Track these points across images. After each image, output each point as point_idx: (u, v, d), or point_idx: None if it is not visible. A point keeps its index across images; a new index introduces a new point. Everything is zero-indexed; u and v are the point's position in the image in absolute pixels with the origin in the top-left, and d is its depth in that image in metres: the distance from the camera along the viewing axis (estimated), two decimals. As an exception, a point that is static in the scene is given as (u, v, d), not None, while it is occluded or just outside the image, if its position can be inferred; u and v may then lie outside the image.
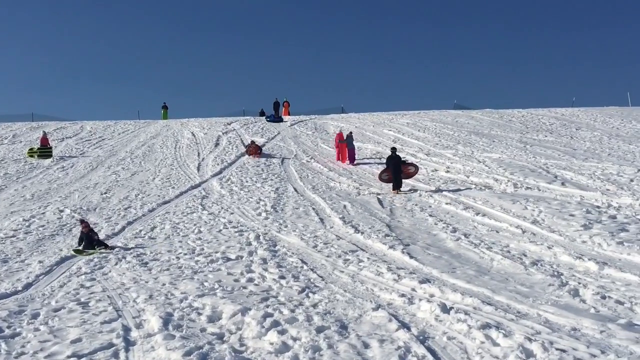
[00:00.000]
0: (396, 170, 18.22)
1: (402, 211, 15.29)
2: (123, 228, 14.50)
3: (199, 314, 7.76)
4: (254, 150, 24.80)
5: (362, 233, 12.83)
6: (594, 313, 7.34)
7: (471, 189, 17.63)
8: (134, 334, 7.11)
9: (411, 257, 10.71)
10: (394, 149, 19.17)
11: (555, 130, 30.40)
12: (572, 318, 7.08)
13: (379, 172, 19.67)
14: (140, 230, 14.10)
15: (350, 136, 24.42)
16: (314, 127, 35.32)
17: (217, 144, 29.58)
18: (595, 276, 9.13)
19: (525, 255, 10.57)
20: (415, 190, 17.92)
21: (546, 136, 28.47)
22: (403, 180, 18.48)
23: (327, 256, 11.05)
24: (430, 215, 14.53)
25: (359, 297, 8.40)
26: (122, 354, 6.46)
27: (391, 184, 18.31)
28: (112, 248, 12.17)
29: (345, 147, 24.18)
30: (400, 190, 17.94)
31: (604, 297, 7.93)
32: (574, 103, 44.96)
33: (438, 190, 17.58)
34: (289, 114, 43.02)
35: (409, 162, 20.01)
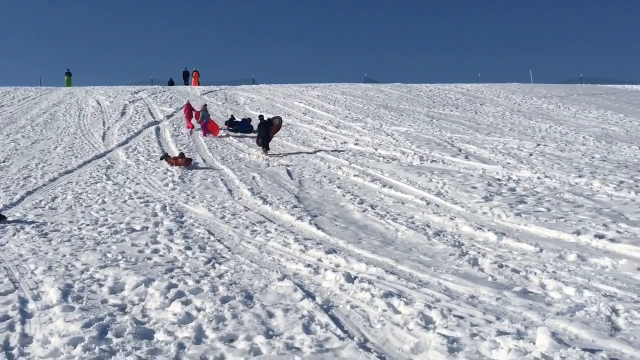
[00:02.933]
0: (266, 134, 20.14)
1: (310, 183, 15.36)
2: (22, 198, 13.96)
3: (101, 285, 7.58)
4: (183, 163, 17.83)
5: (271, 204, 12.83)
6: (491, 281, 7.62)
7: (379, 161, 17.88)
8: (31, 306, 6.88)
9: (318, 228, 10.80)
10: (261, 116, 21.05)
11: (460, 105, 31.16)
12: (470, 286, 7.33)
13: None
14: (41, 201, 13.61)
15: (205, 109, 23.98)
16: (225, 97, 34.92)
17: (123, 113, 28.82)
18: (494, 246, 9.46)
19: (429, 226, 10.83)
20: (293, 153, 18.02)
21: (452, 111, 29.16)
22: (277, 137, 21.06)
23: (235, 227, 10.99)
24: (339, 187, 14.67)
25: (265, 267, 8.41)
26: (17, 327, 6.24)
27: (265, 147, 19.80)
28: (3, 217, 11.62)
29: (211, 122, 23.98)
30: (268, 151, 19.77)
31: (501, 266, 8.23)
32: (479, 79, 46.27)
33: (317, 151, 17.74)
34: (198, 84, 42.34)
35: (273, 118, 21.41)
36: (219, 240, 10.05)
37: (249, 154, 19.83)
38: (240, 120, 24.98)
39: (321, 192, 14.24)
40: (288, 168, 17.22)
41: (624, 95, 37.25)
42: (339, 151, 19.89)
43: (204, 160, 18.76)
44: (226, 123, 24.67)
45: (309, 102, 31.79)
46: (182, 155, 18.44)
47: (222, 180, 15.72)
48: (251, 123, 24.07)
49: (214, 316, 6.36)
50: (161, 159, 18.74)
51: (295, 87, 38.82)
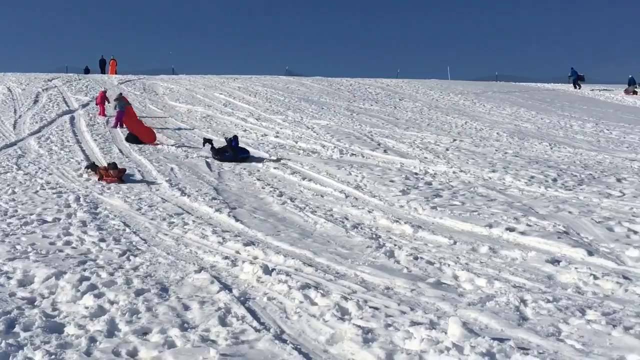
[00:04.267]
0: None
1: (230, 175, 15.25)
2: None
3: (9, 278, 7.30)
4: (116, 175, 14.22)
5: (189, 196, 12.67)
6: (407, 273, 7.75)
7: (299, 154, 17.91)
8: None
9: (237, 220, 10.73)
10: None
11: (380, 100, 31.57)
12: (386, 278, 7.44)
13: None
14: (-55, 191, 13.00)
15: (120, 98, 23.30)
16: (143, 87, 34.22)
17: (36, 101, 27.84)
18: (410, 238, 9.64)
19: (347, 219, 10.93)
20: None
21: (372, 105, 29.50)
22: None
23: (152, 219, 10.80)
24: (258, 180, 14.62)
25: (182, 259, 8.30)
26: None
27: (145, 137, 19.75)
28: None
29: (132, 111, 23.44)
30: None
31: (416, 258, 8.39)
32: (399, 74, 47.00)
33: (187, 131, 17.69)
34: (115, 73, 41.35)
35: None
36: (134, 232, 9.85)
37: (167, 145, 19.50)
38: (231, 143, 17.70)
39: (240, 185, 14.16)
40: (207, 160, 17.04)
41: (536, 93, 38.57)
42: (259, 143, 19.81)
43: (121, 151, 18.33)
44: (213, 149, 17.56)
45: (229, 94, 31.55)
46: (113, 165, 14.63)
47: (139, 171, 15.41)
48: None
49: (128, 309, 6.23)
50: (87, 168, 15.02)
51: (216, 78, 38.44)
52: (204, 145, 18.05)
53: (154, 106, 27.80)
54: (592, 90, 42.63)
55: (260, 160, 17.06)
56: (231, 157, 17.06)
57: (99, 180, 14.15)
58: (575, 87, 43.46)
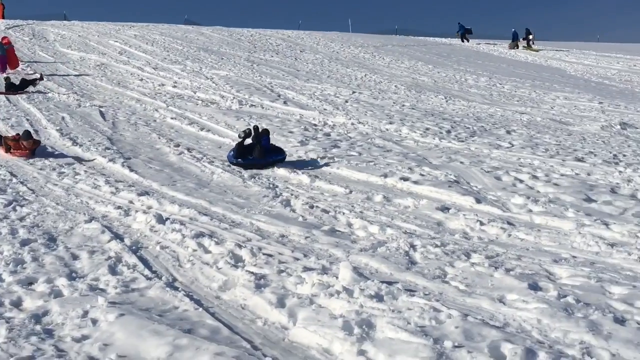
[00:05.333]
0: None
1: (125, 125, 14.84)
2: None
3: None
4: (26, 148, 11.40)
5: (81, 146, 12.26)
6: (302, 221, 7.83)
7: (197, 104, 17.60)
8: None
9: (131, 170, 10.50)
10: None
11: (281, 51, 31.35)
12: (281, 226, 7.49)
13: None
14: None
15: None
16: (32, 33, 32.57)
17: None
18: (307, 188, 9.71)
19: (245, 169, 10.89)
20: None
21: (272, 56, 29.26)
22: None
23: (40, 169, 10.40)
24: (154, 130, 14.30)
25: (72, 210, 8.06)
26: None
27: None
28: None
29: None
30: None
31: (312, 207, 8.48)
32: (300, 26, 46.73)
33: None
34: (3, 17, 39.10)
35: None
36: (21, 183, 9.48)
37: (58, 93, 18.72)
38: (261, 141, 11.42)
39: (136, 135, 13.82)
40: (101, 109, 16.48)
41: (434, 47, 39.29)
42: (157, 93, 19.33)
43: (8, 99, 17.46)
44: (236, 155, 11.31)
45: (125, 42, 30.50)
46: (26, 134, 11.48)
47: (27, 120, 14.75)
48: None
49: (12, 259, 6.02)
50: None
51: (111, 26, 37.01)
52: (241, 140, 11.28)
53: (44, 53, 26.56)
54: (479, 44, 43.82)
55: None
56: (257, 161, 11.11)
57: (6, 152, 11.37)
58: (462, 41, 44.54)
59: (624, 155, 12.76)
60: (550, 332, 4.59)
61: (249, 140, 11.28)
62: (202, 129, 14.37)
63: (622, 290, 5.55)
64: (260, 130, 11.56)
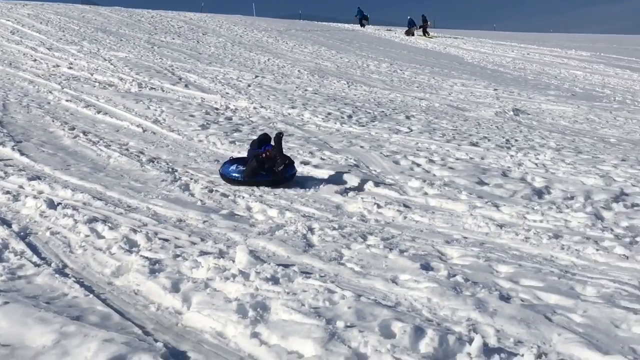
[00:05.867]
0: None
1: (16, 107, 14.19)
2: None
3: None
4: None
5: (-33, 129, 11.67)
6: (200, 205, 7.75)
7: (95, 86, 17.06)
8: None
9: (22, 154, 10.08)
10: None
11: (183, 34, 30.77)
12: (179, 210, 7.39)
13: None
14: None
15: None
16: None
17: None
18: (207, 173, 9.61)
19: (143, 153, 10.66)
20: None
21: (174, 39, 28.68)
22: None
23: None
24: (48, 113, 13.76)
25: (-44, 195, 7.67)
26: None
27: None
28: None
29: None
30: None
31: (211, 191, 8.40)
32: (203, 9, 46.00)
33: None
34: None
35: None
36: None
37: (-56, 73, 17.72)
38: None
39: (28, 117, 13.25)
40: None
41: (337, 33, 39.53)
42: (51, 74, 18.59)
43: None
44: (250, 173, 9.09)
45: (18, 21, 29.13)
46: None
47: None
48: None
49: None
50: None
51: (2, 4, 35.27)
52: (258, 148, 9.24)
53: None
54: (378, 30, 44.48)
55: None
56: (271, 177, 9.02)
57: None
58: (361, 26, 45.09)
59: (516, 140, 13.28)
60: (439, 310, 4.74)
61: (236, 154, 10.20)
62: (99, 112, 13.94)
63: (508, 269, 5.80)
64: (280, 134, 9.30)
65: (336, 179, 9.46)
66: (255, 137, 9.89)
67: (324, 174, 9.76)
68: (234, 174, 8.99)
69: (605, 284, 5.42)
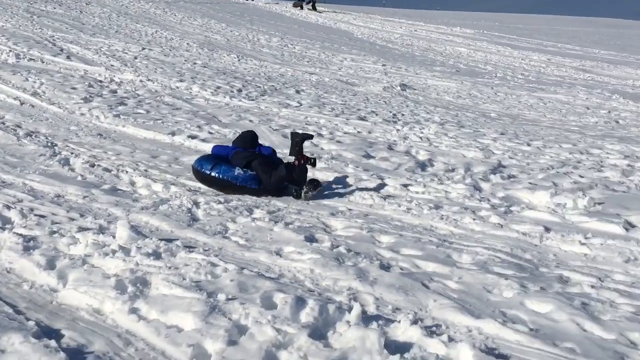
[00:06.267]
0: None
1: None
2: None
3: None
4: None
5: None
6: (81, 180, 7.49)
7: (-33, 57, 16.08)
8: None
9: None
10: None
11: (65, 3, 29.45)
12: (57, 186, 7.11)
13: None
14: None
15: None
16: None
17: None
18: (89, 147, 9.29)
19: (20, 127, 10.17)
20: None
21: (55, 8, 27.41)
22: None
23: None
24: None
25: None
26: None
27: None
28: None
29: None
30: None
31: (93, 166, 8.13)
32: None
33: None
34: None
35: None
36: None
37: None
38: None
39: None
40: None
41: (227, 5, 38.97)
42: None
43: None
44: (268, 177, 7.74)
45: None
46: None
47: None
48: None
49: None
50: None
51: None
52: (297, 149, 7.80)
53: None
54: (267, 3, 44.22)
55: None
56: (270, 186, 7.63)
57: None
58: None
59: (402, 115, 13.59)
60: (321, 281, 4.81)
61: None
62: (-28, 84, 13.18)
63: (389, 239, 5.94)
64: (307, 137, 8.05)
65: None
66: (239, 133, 8.40)
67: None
68: (247, 183, 7.49)
69: (480, 252, 5.65)
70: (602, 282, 5.10)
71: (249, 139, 7.92)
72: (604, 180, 8.82)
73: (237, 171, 7.53)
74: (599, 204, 7.49)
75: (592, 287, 4.94)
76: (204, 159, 7.70)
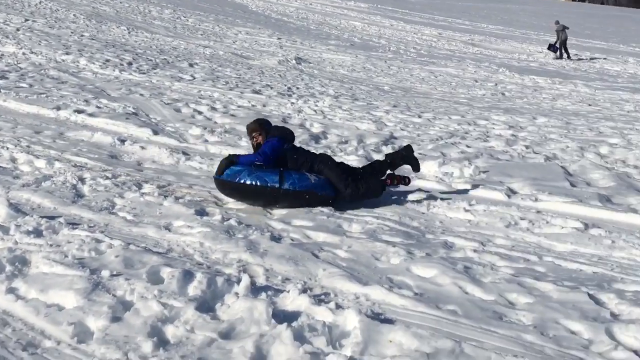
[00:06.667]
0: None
1: None
2: None
3: None
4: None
5: None
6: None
7: None
8: None
9: None
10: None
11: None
12: None
13: None
14: None
15: None
16: None
17: None
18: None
19: None
20: None
21: None
22: None
23: None
24: None
25: None
26: None
27: None
28: None
29: None
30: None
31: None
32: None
33: None
34: None
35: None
36: None
37: None
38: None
39: None
40: None
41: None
42: None
43: None
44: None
45: None
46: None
47: None
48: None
49: None
50: None
51: None
52: None
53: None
54: None
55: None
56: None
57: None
58: None
59: (297, 88, 13.61)
60: (211, 254, 4.76)
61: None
62: None
63: (281, 211, 5.95)
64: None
65: (113, 128, 9.12)
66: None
67: (99, 122, 9.37)
68: (327, 192, 6.15)
69: (369, 221, 5.75)
70: (484, 246, 5.30)
71: (284, 131, 6.50)
72: (489, 150, 9.16)
73: (312, 177, 6.15)
74: (484, 172, 7.78)
75: (475, 251, 5.12)
76: (247, 171, 6.00)
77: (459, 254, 5.05)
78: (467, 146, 9.23)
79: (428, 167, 7.79)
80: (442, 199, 6.57)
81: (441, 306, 4.00)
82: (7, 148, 7.61)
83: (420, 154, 8.57)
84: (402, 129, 10.33)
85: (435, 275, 4.48)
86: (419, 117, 11.39)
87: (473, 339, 3.58)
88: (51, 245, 4.52)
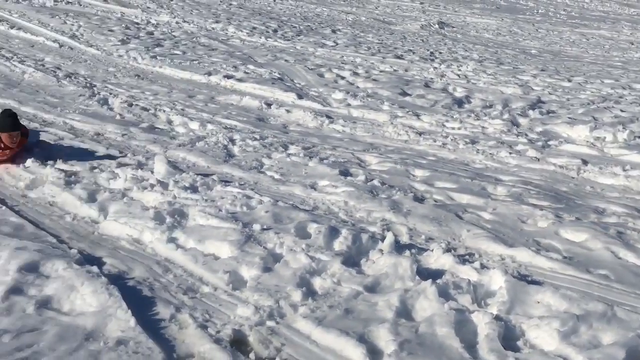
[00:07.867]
0: None
1: None
2: None
3: None
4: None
5: None
6: (120, 119, 7.58)
7: (7, 0, 16.25)
8: None
9: None
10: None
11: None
12: (97, 124, 7.21)
13: None
14: None
15: None
16: None
17: None
18: (127, 87, 9.38)
19: (60, 69, 10.29)
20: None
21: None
22: None
23: None
24: (-43, 28, 13.09)
25: None
26: None
27: None
28: None
29: None
30: None
31: (131, 105, 8.21)
32: None
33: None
34: None
35: None
36: None
37: None
38: None
39: None
40: None
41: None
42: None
43: None
44: None
45: None
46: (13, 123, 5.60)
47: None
48: None
49: None
50: None
51: None
52: None
53: None
54: None
55: None
56: None
57: None
58: None
59: (440, 53, 13.40)
60: (355, 213, 4.85)
61: None
62: (12, 27, 13.32)
63: (424, 172, 5.94)
64: None
65: (260, 92, 9.41)
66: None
67: (247, 87, 9.68)
68: None
69: (515, 184, 5.63)
70: (639, 212, 5.06)
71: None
72: (645, 115, 8.64)
73: None
74: (639, 137, 7.37)
75: (629, 216, 4.90)
76: None
77: (611, 219, 4.85)
78: (622, 110, 8.75)
79: (578, 132, 7.49)
80: (593, 163, 6.32)
81: (592, 270, 3.88)
82: (164, 111, 8.06)
83: (569, 118, 8.26)
84: (550, 93, 9.95)
85: (586, 239, 4.34)
86: (569, 80, 10.92)
87: (626, 303, 3.46)
88: (206, 200, 4.78)
